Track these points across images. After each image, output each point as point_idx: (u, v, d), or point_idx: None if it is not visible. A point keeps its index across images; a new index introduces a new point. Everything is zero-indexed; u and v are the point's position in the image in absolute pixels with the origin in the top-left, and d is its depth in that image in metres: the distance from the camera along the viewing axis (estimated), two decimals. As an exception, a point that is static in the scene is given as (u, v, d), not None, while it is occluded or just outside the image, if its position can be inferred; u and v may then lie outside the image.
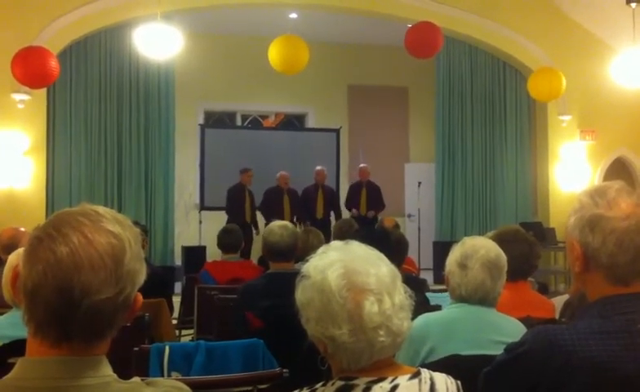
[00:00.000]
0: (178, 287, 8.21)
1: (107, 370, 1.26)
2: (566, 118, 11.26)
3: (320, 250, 1.61)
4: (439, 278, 8.96)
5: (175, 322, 5.50)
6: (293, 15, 11.05)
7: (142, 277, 1.29)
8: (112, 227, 1.25)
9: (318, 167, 11.05)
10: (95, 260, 1.19)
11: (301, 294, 1.57)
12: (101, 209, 1.28)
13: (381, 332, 1.49)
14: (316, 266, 1.56)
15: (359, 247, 1.60)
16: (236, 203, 10.31)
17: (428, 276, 9.09)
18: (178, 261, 10.62)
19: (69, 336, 1.20)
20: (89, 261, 1.19)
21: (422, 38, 8.27)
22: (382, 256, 1.59)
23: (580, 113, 11.31)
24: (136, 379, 1.31)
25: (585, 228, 1.59)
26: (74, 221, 1.23)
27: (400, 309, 1.54)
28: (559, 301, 3.32)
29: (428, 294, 4.03)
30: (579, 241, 1.60)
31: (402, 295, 1.56)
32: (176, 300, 6.10)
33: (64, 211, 1.27)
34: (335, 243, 1.62)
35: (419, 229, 11.47)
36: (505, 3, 10.94)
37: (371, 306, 1.49)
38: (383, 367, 1.54)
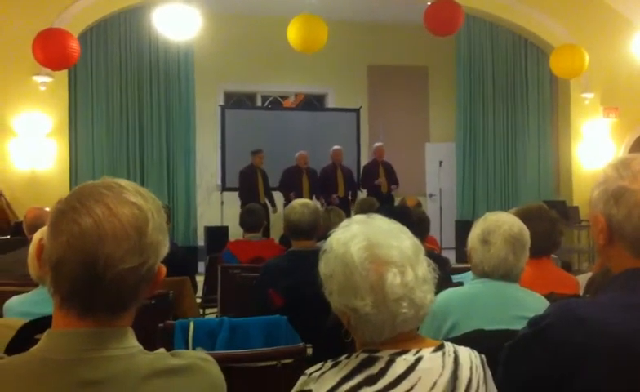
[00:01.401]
0: (201, 266, 8.27)
1: (132, 341, 1.27)
2: (589, 95, 11.14)
3: (343, 223, 1.61)
4: (462, 257, 8.94)
5: (198, 301, 5.55)
6: (313, -5, 11.00)
7: (165, 249, 1.29)
8: (134, 198, 1.25)
9: (336, 147, 11.01)
10: (118, 230, 1.20)
11: (324, 266, 1.58)
12: (123, 182, 1.29)
13: (404, 304, 1.49)
14: (339, 239, 1.57)
15: (382, 220, 1.60)
16: (248, 185, 10.34)
17: (450, 255, 9.08)
18: (200, 242, 10.69)
19: (94, 308, 1.22)
20: (112, 232, 1.20)
21: (442, 16, 8.18)
22: (405, 229, 1.59)
23: (603, 90, 11.18)
24: (162, 350, 1.32)
25: (610, 200, 1.57)
26: (97, 194, 1.24)
27: (423, 282, 1.54)
28: (583, 279, 3.30)
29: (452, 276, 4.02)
30: (603, 213, 1.58)
31: (425, 268, 1.56)
32: (199, 280, 6.14)
33: (86, 184, 1.27)
34: (357, 217, 1.62)
35: (440, 208, 11.46)
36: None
37: (393, 278, 1.49)
38: (406, 339, 1.54)
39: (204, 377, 1.33)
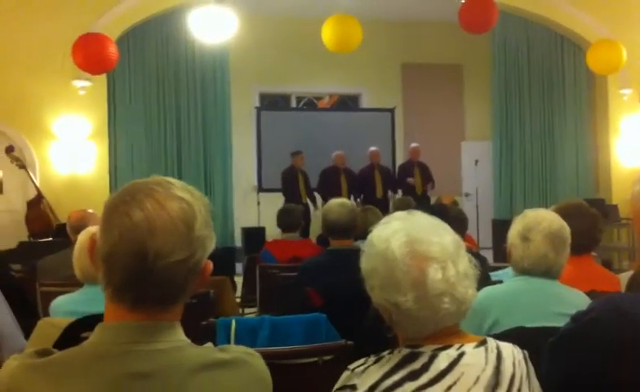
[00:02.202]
0: (238, 268, 8.34)
1: (181, 335, 1.31)
2: (627, 91, 10.96)
3: (383, 220, 1.63)
4: (499, 256, 8.88)
5: (237, 301, 5.60)
6: (346, -5, 11.01)
7: (212, 244, 1.33)
8: (183, 194, 1.30)
9: (373, 148, 11.01)
10: (167, 224, 1.24)
11: (366, 262, 1.59)
12: (172, 179, 1.33)
13: (445, 299, 1.50)
14: (379, 235, 1.58)
15: (422, 216, 1.61)
16: (290, 186, 10.40)
17: (487, 255, 8.99)
18: (238, 243, 10.78)
19: (144, 299, 1.26)
20: (162, 225, 1.24)
21: (476, 13, 8.13)
22: (445, 225, 1.60)
23: (642, 85, 11.01)
24: (209, 344, 1.36)
25: (652, 195, 1.57)
26: (147, 189, 1.28)
27: (464, 277, 1.54)
28: (624, 277, 3.25)
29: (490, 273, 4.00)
30: (645, 208, 1.59)
31: (466, 263, 1.56)
32: (238, 280, 6.20)
33: (137, 181, 1.32)
34: (398, 213, 1.63)
35: (477, 207, 11.38)
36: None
37: (434, 273, 1.50)
38: (449, 334, 1.55)
39: (250, 371, 1.36)
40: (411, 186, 10.64)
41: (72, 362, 1.24)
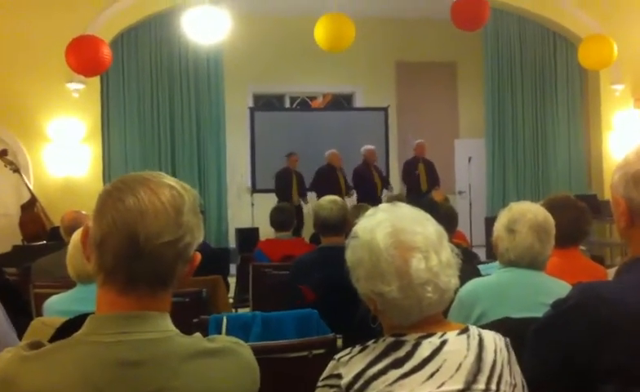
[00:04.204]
0: (233, 268, 8.34)
1: (170, 325, 1.35)
2: (619, 87, 11.01)
3: (368, 212, 1.66)
4: (492, 253, 8.90)
5: (231, 301, 5.62)
6: (338, -6, 11.03)
7: (200, 234, 1.37)
8: (173, 183, 1.36)
9: (370, 147, 11.00)
10: (158, 208, 1.30)
11: (351, 254, 1.63)
12: (164, 173, 1.39)
13: (429, 288, 1.54)
14: (364, 227, 1.62)
15: (406, 207, 1.65)
16: (283, 186, 10.42)
17: (480, 252, 9.02)
18: (232, 243, 10.79)
19: (135, 281, 1.30)
20: (153, 209, 1.29)
21: (468, 10, 8.18)
22: (429, 216, 1.64)
23: (634, 81, 11.04)
24: (198, 334, 1.39)
25: (629, 183, 1.60)
26: (140, 178, 1.35)
27: (447, 266, 1.58)
28: (613, 272, 3.28)
29: (479, 266, 4.04)
30: (623, 196, 1.62)
31: (448, 253, 1.60)
32: (232, 281, 6.21)
33: (130, 174, 1.38)
34: (383, 205, 1.68)
35: (470, 205, 11.41)
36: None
37: (418, 263, 1.53)
38: (432, 323, 1.58)
39: (238, 359, 1.40)
40: (417, 180, 10.65)
41: (63, 352, 1.27)
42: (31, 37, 9.32)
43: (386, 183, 10.98)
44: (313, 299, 3.46)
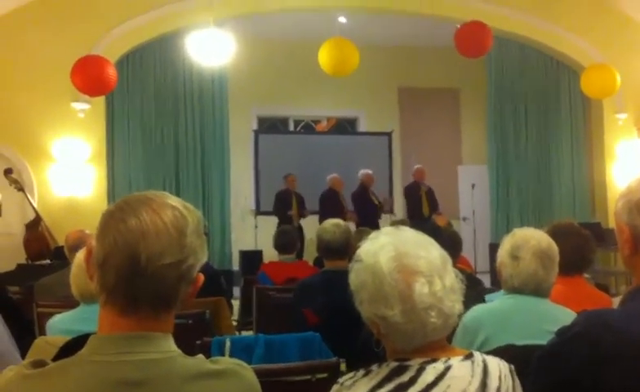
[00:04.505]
0: (236, 291, 8.32)
1: (173, 346, 1.34)
2: (622, 116, 11.05)
3: (372, 235, 1.67)
4: (497, 280, 8.87)
5: (234, 323, 5.60)
6: (342, 19, 11.12)
7: (203, 255, 1.37)
8: (177, 204, 1.36)
9: (367, 171, 10.94)
10: (160, 229, 1.29)
11: (355, 277, 1.63)
12: (168, 193, 1.39)
13: (432, 313, 1.53)
14: (368, 250, 1.62)
15: (410, 231, 1.65)
16: (283, 207, 10.42)
17: (484, 278, 8.99)
18: (235, 266, 10.78)
19: (137, 303, 1.30)
20: (155, 230, 1.29)
21: (472, 38, 8.25)
22: (432, 240, 1.64)
23: (637, 110, 11.07)
24: (200, 356, 1.39)
25: (633, 210, 1.61)
26: (143, 198, 1.35)
27: (451, 291, 1.57)
28: (618, 301, 3.27)
29: (485, 295, 4.02)
30: (627, 224, 1.62)
31: (452, 278, 1.59)
32: (235, 304, 6.19)
33: (134, 194, 1.38)
34: (386, 228, 1.68)
35: (474, 231, 11.41)
36: (557, 2, 10.73)
37: (421, 287, 1.53)
38: (436, 348, 1.58)
39: (241, 381, 1.39)
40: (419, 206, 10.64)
41: (65, 371, 1.27)
42: (37, 56, 9.40)
43: (383, 207, 10.94)
44: (317, 322, 3.46)
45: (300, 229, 10.32)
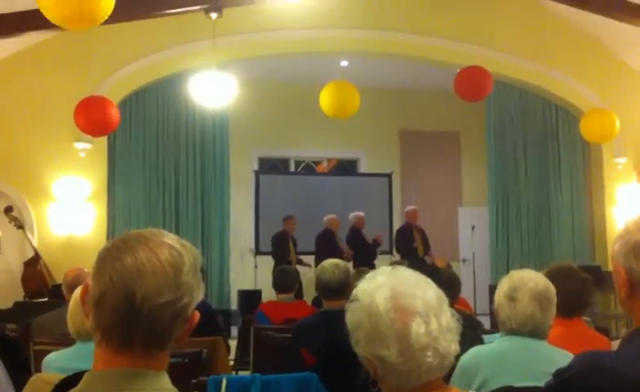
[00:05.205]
0: (234, 331, 8.28)
1: (167, 383, 1.33)
2: (622, 160, 11.09)
3: (368, 275, 1.67)
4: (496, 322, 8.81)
5: (231, 363, 5.57)
6: (344, 63, 11.24)
7: (199, 293, 1.36)
8: (173, 242, 1.35)
9: (359, 213, 10.95)
10: (157, 268, 1.29)
11: (351, 316, 1.63)
12: (166, 232, 1.39)
13: (428, 353, 1.53)
14: (364, 290, 1.62)
15: (406, 271, 1.65)
16: (280, 250, 10.39)
17: (484, 321, 8.96)
18: (234, 305, 10.74)
19: (131, 341, 1.29)
20: (152, 269, 1.29)
21: (471, 82, 8.31)
22: (429, 280, 1.64)
23: (636, 154, 11.12)
24: (196, 392, 1.39)
25: (630, 253, 1.61)
26: (140, 236, 1.34)
27: (447, 331, 1.57)
28: (617, 344, 3.26)
29: (483, 336, 4.00)
30: (623, 267, 1.62)
31: (448, 317, 1.59)
32: (232, 344, 6.16)
33: (130, 231, 1.38)
34: (383, 268, 1.68)
35: (474, 273, 11.37)
36: (555, 46, 10.85)
37: (417, 327, 1.53)
38: (432, 388, 1.57)
39: None
40: (414, 249, 10.60)
41: None
42: (41, 97, 9.48)
43: (377, 241, 10.91)
44: (314, 363, 3.44)
45: (297, 272, 10.26)
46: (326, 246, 10.27)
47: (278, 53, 10.46)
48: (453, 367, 1.70)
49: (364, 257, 10.29)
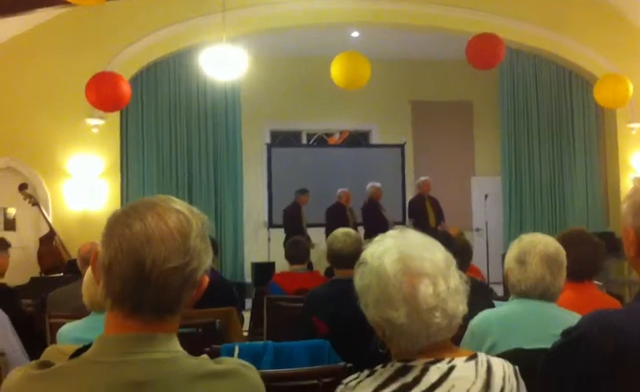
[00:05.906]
0: (248, 303, 8.32)
1: (177, 346, 1.35)
2: (636, 125, 11.00)
3: (377, 238, 1.68)
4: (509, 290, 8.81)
5: (245, 334, 5.61)
6: (355, 34, 11.16)
7: (207, 258, 1.38)
8: (181, 208, 1.37)
9: (377, 184, 10.94)
10: (165, 233, 1.31)
11: (360, 280, 1.64)
12: (173, 197, 1.40)
13: (437, 314, 1.54)
14: (373, 253, 1.63)
15: (414, 234, 1.66)
16: (294, 223, 10.40)
17: (497, 289, 8.98)
18: (248, 278, 10.80)
19: (141, 307, 1.31)
20: (160, 235, 1.30)
21: (483, 49, 8.22)
22: (437, 242, 1.65)
23: (651, 119, 11.03)
24: (204, 356, 1.40)
25: (638, 212, 1.60)
26: (149, 203, 1.36)
27: (455, 293, 1.58)
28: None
29: (495, 301, 4.01)
30: (632, 226, 1.61)
31: (456, 279, 1.60)
32: (247, 316, 6.20)
33: (141, 199, 1.39)
34: (391, 232, 1.69)
35: (487, 242, 11.36)
36: (568, 13, 10.74)
37: (425, 289, 1.54)
38: (440, 349, 1.58)
39: (244, 381, 1.40)
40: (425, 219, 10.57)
41: (71, 371, 1.29)
42: (53, 74, 9.52)
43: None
44: (326, 331, 3.46)
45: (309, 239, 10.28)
46: (335, 219, 10.28)
47: (289, 25, 10.42)
48: (462, 330, 1.71)
49: (381, 229, 10.24)
